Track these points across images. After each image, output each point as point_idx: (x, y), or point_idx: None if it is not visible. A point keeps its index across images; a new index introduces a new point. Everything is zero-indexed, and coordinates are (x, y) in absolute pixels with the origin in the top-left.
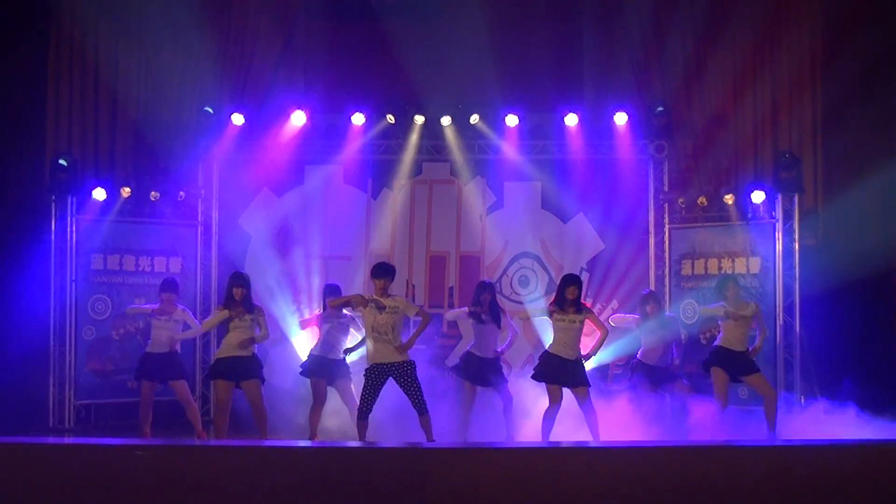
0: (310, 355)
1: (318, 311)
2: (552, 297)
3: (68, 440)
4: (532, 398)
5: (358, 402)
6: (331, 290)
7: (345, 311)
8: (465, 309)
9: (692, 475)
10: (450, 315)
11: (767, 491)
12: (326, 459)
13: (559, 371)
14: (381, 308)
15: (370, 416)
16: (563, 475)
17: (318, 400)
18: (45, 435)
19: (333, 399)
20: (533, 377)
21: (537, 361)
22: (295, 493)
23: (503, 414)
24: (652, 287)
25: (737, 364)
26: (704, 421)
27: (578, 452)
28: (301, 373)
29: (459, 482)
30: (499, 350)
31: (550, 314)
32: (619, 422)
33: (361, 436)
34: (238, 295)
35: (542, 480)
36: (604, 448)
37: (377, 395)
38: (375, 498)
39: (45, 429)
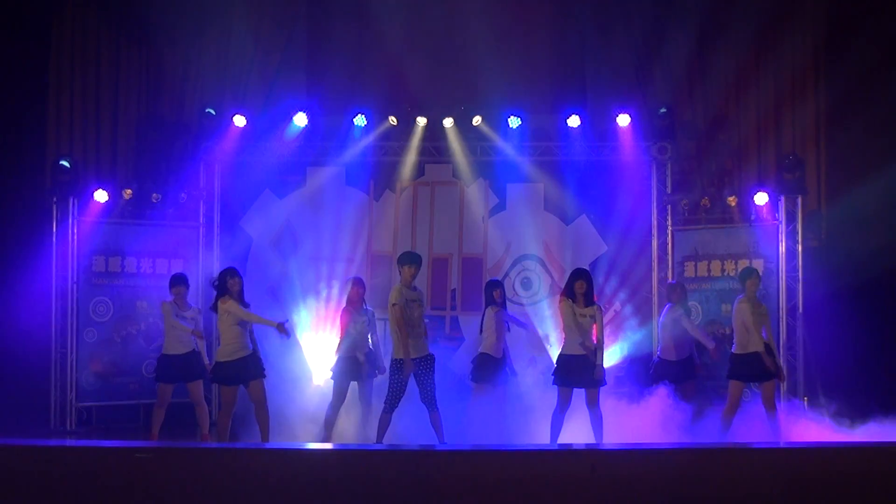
0: (338, 357)
1: (344, 306)
2: (560, 294)
3: (70, 442)
4: (537, 398)
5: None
6: (359, 283)
7: (367, 306)
8: (490, 310)
9: (696, 477)
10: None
11: (771, 492)
12: (331, 462)
13: (575, 372)
14: (414, 301)
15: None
16: (568, 478)
17: (338, 399)
18: (46, 437)
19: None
20: (554, 383)
21: (555, 366)
22: (298, 495)
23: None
24: (654, 289)
25: (754, 368)
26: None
27: (583, 455)
28: (332, 376)
29: (467, 484)
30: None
31: (561, 307)
32: (637, 423)
33: (382, 429)
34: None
35: (548, 483)
36: (608, 450)
37: (405, 389)
38: (380, 500)
39: (46, 431)
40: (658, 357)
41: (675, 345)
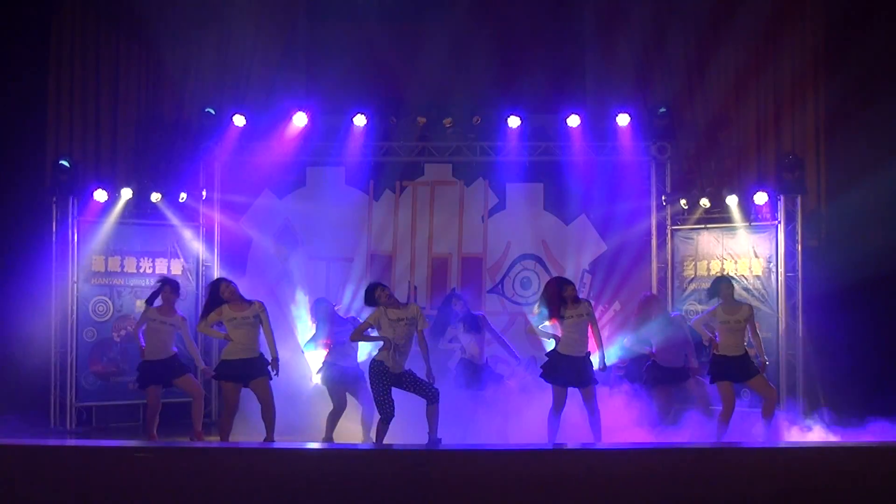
0: (325, 363)
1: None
2: (551, 310)
3: (70, 442)
4: (536, 397)
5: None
6: (320, 304)
7: (351, 315)
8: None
9: (696, 477)
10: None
11: (771, 492)
12: (331, 462)
13: (568, 372)
14: (400, 320)
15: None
16: (568, 478)
17: (339, 407)
18: (46, 437)
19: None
20: (542, 377)
21: (545, 360)
22: (298, 495)
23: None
24: (654, 289)
25: (738, 369)
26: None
27: (581, 454)
28: (323, 382)
29: (466, 484)
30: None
31: (559, 318)
32: (624, 422)
33: (380, 439)
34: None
35: (547, 483)
36: (606, 450)
37: (390, 396)
38: (380, 500)
39: (46, 431)
40: (652, 361)
41: (668, 352)
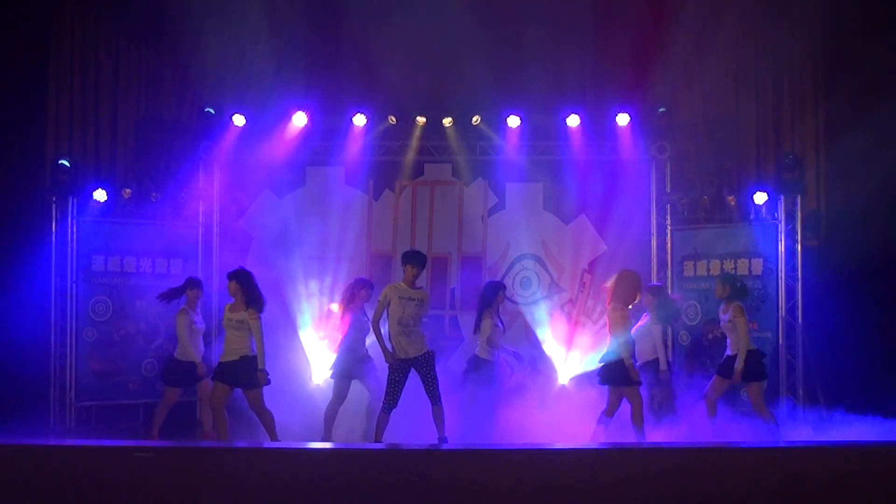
0: (339, 357)
1: (340, 307)
2: (621, 305)
3: (69, 442)
4: (530, 397)
5: (383, 396)
6: (364, 285)
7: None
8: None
9: (696, 477)
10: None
11: (771, 492)
12: (331, 462)
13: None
14: (410, 299)
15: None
16: (568, 477)
17: (339, 398)
18: (45, 436)
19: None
20: (632, 384)
21: (634, 371)
22: (298, 495)
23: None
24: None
25: (728, 368)
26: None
27: (582, 454)
28: (332, 375)
29: (467, 484)
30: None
31: (625, 315)
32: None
33: (381, 429)
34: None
35: (548, 483)
36: (607, 450)
37: (402, 389)
38: (380, 500)
39: (45, 430)
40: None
41: (639, 345)
